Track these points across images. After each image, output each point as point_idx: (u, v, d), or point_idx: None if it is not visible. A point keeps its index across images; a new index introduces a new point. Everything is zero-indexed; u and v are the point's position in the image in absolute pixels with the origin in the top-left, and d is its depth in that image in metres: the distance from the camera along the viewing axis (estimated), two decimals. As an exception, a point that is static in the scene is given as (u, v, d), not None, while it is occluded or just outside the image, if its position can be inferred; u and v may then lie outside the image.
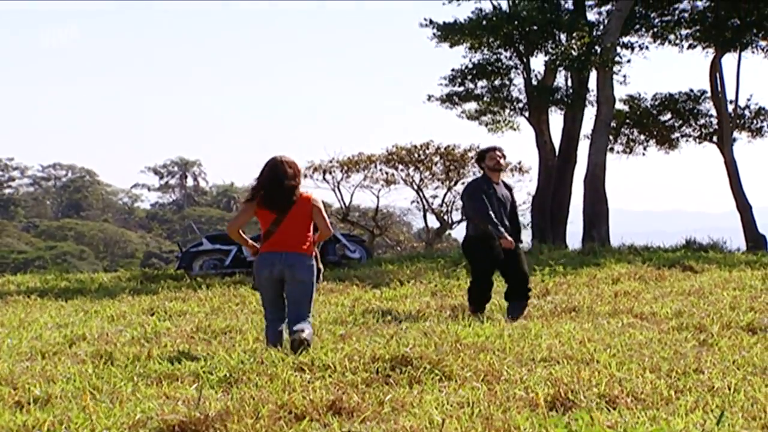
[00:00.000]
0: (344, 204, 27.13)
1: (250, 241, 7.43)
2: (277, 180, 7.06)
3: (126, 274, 16.35)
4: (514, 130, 25.00)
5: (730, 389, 5.56)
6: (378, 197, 27.35)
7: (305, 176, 25.17)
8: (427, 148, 26.23)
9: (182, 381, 5.95)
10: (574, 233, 22.72)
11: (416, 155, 26.23)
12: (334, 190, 26.51)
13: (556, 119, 24.79)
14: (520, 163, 26.38)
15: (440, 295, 11.57)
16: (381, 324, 8.70)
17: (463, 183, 25.66)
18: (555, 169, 22.97)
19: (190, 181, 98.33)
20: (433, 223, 28.63)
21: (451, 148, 26.05)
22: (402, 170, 26.62)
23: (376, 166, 26.41)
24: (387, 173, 26.66)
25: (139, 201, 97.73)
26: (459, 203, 25.53)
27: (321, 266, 7.35)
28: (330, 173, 26.19)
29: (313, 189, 25.72)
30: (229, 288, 12.91)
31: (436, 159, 26.31)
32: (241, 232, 7.32)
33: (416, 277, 13.52)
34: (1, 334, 8.20)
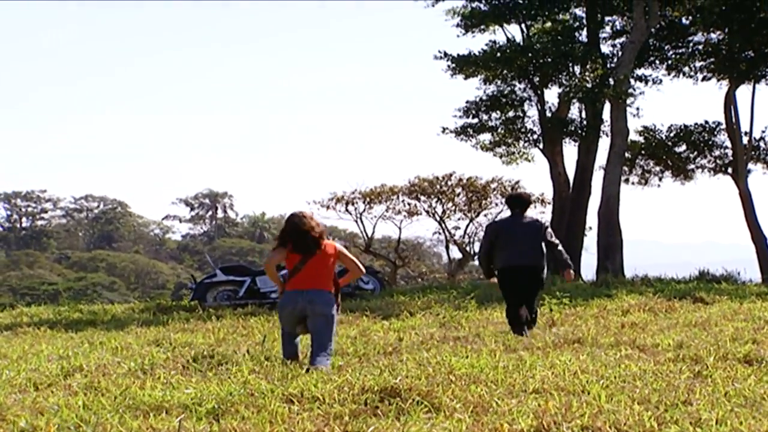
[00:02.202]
0: (366, 235, 27.20)
1: (282, 284, 8.26)
2: (303, 231, 8.03)
3: (139, 305, 16.44)
4: (529, 161, 25.09)
5: (716, 421, 5.50)
6: (400, 228, 27.38)
7: (327, 207, 25.47)
8: (450, 180, 26.19)
9: (170, 413, 5.92)
10: (589, 264, 22.68)
11: (438, 186, 26.19)
12: (356, 221, 26.57)
13: (570, 151, 24.85)
14: (542, 194, 26.34)
15: (448, 326, 11.56)
16: (380, 355, 8.69)
17: (486, 215, 25.75)
18: (569, 201, 22.98)
19: (220, 213, 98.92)
20: (456, 254, 28.60)
21: (473, 179, 26.00)
22: (424, 201, 26.60)
23: (398, 198, 26.42)
24: (409, 204, 26.66)
25: (171, 232, 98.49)
26: (479, 236, 25.52)
27: (339, 301, 8.30)
28: (352, 204, 26.28)
29: (336, 220, 27.05)
30: (239, 319, 12.96)
31: (459, 190, 26.24)
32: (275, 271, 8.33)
33: (427, 309, 13.53)
34: (1, 366, 8.29)
